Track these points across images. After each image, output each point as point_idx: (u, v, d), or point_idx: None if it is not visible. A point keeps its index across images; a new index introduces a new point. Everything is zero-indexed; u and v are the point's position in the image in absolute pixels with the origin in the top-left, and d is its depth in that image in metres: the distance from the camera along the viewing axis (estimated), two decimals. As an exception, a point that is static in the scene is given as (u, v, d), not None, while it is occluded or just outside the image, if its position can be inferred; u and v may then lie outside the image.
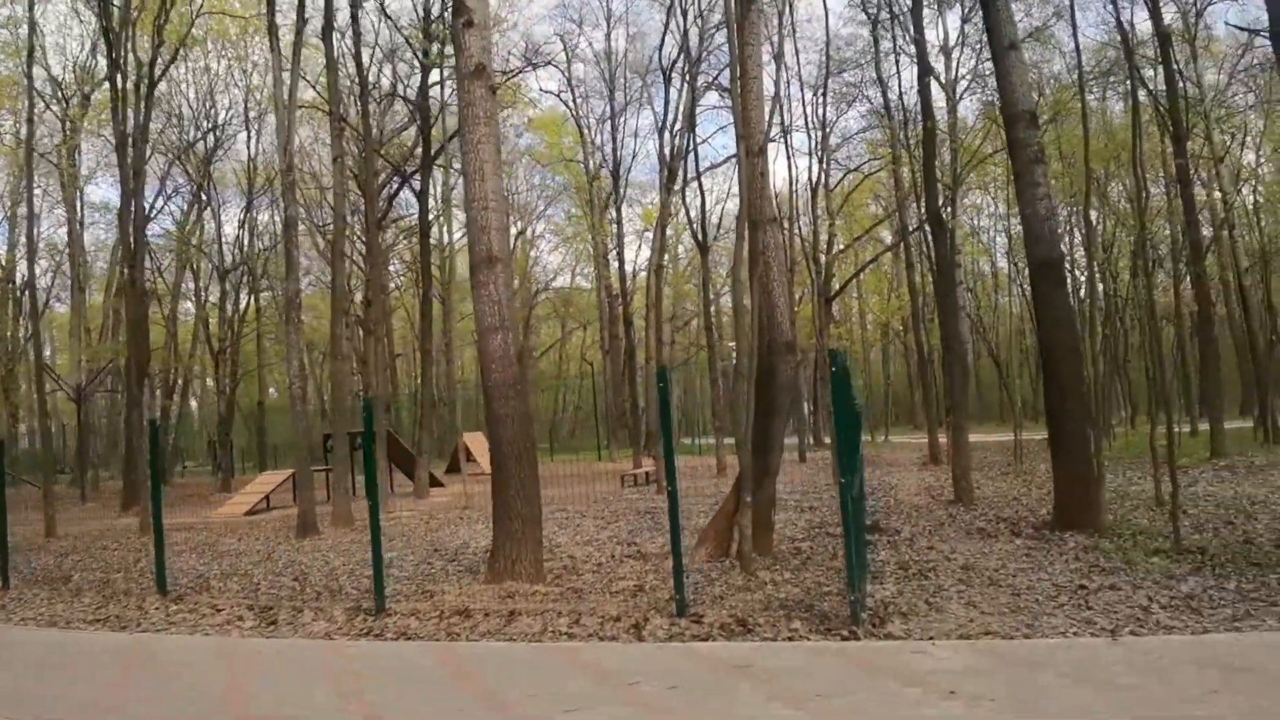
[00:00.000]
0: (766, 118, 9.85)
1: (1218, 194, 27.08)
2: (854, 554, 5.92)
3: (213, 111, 34.23)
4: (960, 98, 29.04)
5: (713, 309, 33.17)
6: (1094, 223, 14.74)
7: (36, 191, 37.65)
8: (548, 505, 17.66)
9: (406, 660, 6.22)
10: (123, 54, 22.30)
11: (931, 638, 5.74)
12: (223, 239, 36.32)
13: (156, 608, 8.76)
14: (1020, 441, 20.58)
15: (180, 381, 42.49)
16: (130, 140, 23.54)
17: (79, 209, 35.96)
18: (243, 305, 37.33)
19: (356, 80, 23.31)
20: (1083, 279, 33.36)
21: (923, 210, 18.62)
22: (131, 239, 23.24)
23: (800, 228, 32.56)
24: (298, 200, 34.53)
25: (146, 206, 26.09)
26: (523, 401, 8.69)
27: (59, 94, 32.90)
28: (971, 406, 41.94)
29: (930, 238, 15.45)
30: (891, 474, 21.42)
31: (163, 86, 33.41)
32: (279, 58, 16.23)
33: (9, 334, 40.34)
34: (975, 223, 47.85)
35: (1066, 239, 30.00)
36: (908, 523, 11.75)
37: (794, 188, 31.50)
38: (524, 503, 8.55)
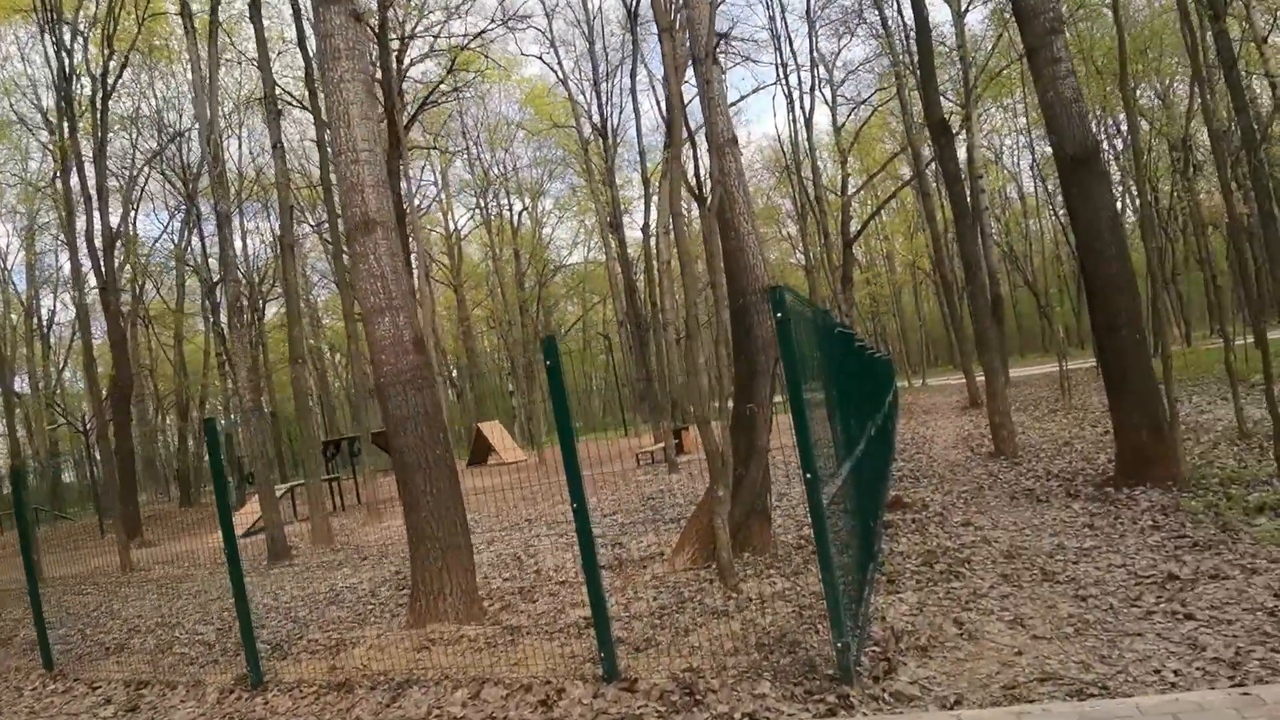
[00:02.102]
0: (708, 20, 7.89)
1: (1260, 81, 24.60)
2: (833, 583, 4.07)
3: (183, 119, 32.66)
4: (966, 9, 26.76)
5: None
6: (1132, 115, 12.60)
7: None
8: (553, 499, 16.19)
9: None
10: (72, 68, 20.79)
11: (958, 700, 3.87)
12: (206, 252, 34.81)
13: (32, 690, 7.21)
14: (1066, 374, 18.50)
15: (198, 400, 41.43)
16: (93, 154, 22.15)
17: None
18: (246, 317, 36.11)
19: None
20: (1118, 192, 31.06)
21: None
22: (100, 260, 21.78)
23: (805, 171, 30.52)
24: (291, 201, 33.17)
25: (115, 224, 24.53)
26: (426, 398, 6.89)
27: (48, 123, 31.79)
28: (1011, 340, 39.67)
29: (939, 149, 13.39)
30: (927, 423, 19.45)
31: (145, 103, 32.24)
32: (194, 41, 14.51)
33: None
34: (999, 146, 45.36)
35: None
36: (939, 488, 9.84)
37: (794, 128, 29.47)
38: (439, 524, 6.77)
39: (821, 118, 47.31)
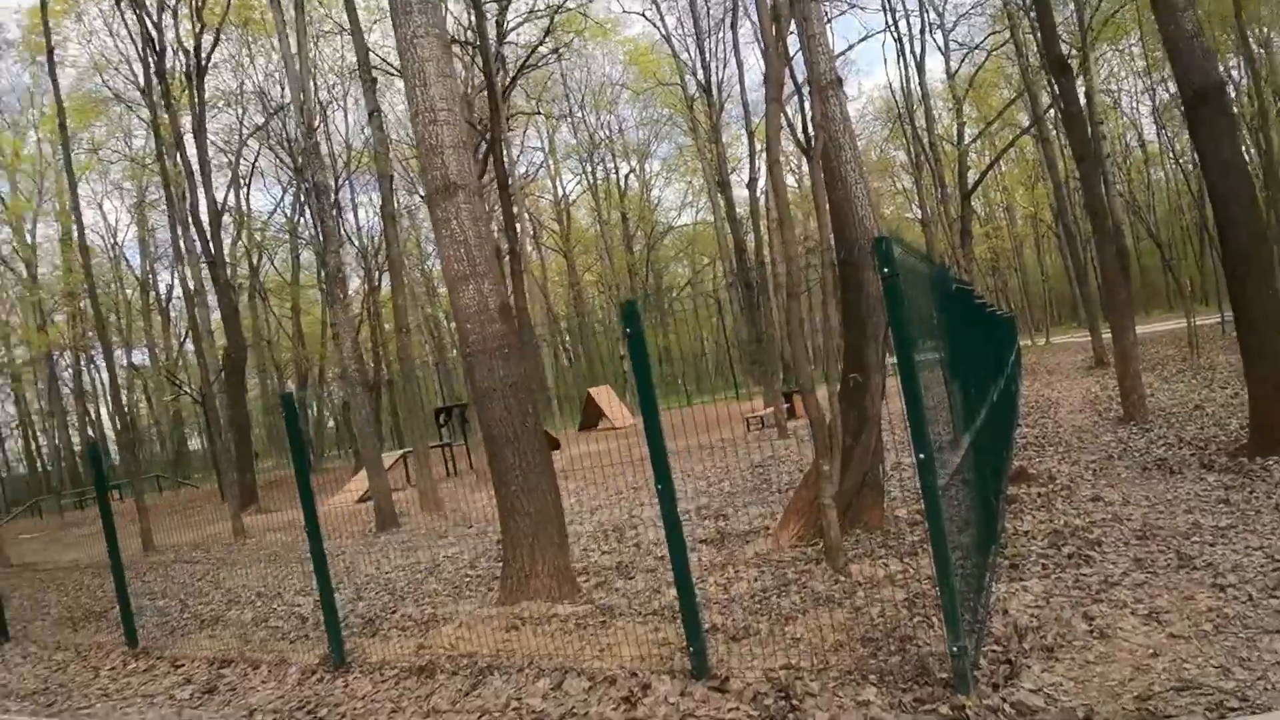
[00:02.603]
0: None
1: None
2: (949, 579, 3.59)
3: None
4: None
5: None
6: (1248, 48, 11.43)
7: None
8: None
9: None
10: (163, 44, 21.28)
11: (1088, 714, 3.36)
12: (317, 223, 35.65)
13: (111, 669, 7.26)
14: (1194, 330, 17.24)
15: (316, 370, 42.68)
16: (192, 130, 22.71)
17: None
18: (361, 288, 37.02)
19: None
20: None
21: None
22: (208, 235, 22.41)
23: (919, 120, 29.20)
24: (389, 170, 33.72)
25: (218, 199, 25.25)
26: (513, 368, 6.61)
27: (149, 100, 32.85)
28: (1134, 295, 37.51)
29: (1059, 89, 12.34)
30: (1052, 384, 18.38)
31: (249, 79, 32.95)
32: (280, 11, 14.55)
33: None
34: (1117, 92, 42.69)
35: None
36: (1066, 458, 9.09)
37: (905, 74, 28.15)
38: (530, 500, 6.51)
39: (934, 65, 45.46)
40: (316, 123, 33.59)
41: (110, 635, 8.41)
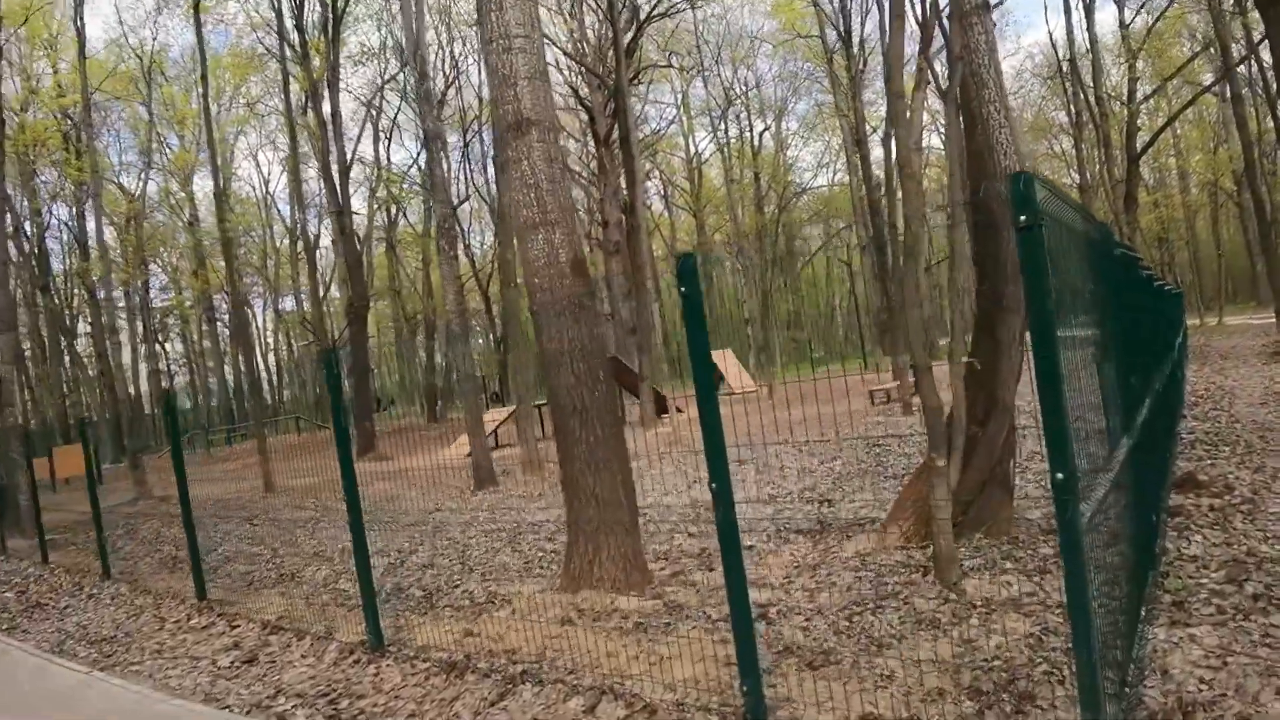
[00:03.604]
0: None
1: None
2: (1089, 645, 2.61)
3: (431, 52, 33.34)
4: None
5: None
6: None
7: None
8: (773, 437, 14.91)
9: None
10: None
11: None
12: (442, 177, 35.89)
13: (175, 622, 6.98)
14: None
15: (444, 321, 43.34)
16: (327, 82, 22.77)
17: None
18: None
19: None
20: None
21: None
22: (337, 186, 22.50)
23: (1084, 75, 26.77)
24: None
25: (359, 151, 25.33)
26: (584, 330, 5.82)
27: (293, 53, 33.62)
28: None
29: (1266, 28, 10.58)
30: (1226, 371, 16.39)
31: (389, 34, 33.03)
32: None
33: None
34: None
35: None
36: (1246, 462, 7.67)
37: (1071, 20, 25.81)
38: (595, 478, 5.76)
39: (1105, 16, 42.02)
40: (449, 75, 33.58)
41: (189, 580, 8.24)
